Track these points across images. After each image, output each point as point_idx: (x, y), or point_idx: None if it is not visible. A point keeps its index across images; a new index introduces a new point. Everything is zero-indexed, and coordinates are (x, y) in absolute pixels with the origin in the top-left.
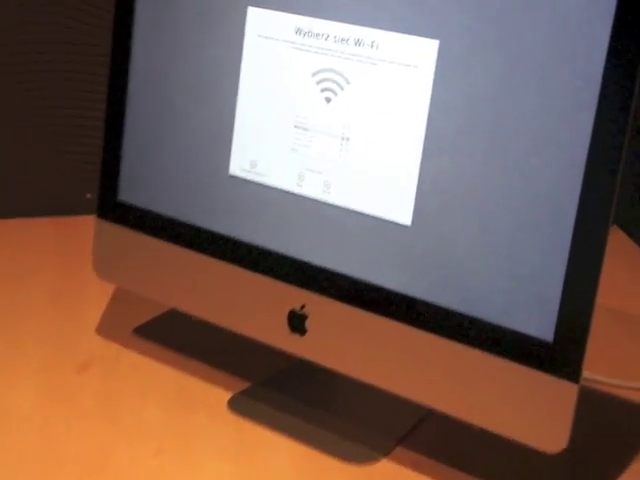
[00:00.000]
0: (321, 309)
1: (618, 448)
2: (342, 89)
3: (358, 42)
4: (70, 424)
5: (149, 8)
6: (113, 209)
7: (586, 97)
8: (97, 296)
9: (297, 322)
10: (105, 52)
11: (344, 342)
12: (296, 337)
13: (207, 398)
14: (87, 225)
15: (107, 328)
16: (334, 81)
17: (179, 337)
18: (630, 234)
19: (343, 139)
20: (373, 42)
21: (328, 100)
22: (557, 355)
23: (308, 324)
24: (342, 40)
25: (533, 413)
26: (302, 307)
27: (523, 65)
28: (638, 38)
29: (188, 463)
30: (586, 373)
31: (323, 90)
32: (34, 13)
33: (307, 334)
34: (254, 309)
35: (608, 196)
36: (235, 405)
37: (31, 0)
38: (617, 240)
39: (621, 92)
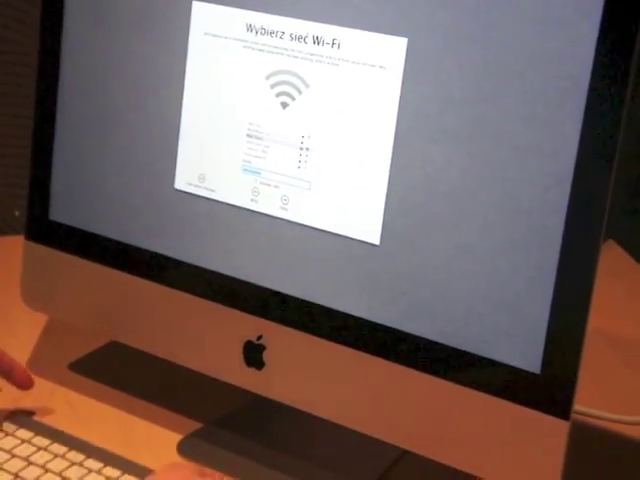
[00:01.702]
0: (280, 340)
1: None
2: (300, 93)
3: (317, 40)
4: None
5: (81, 2)
6: (44, 229)
7: (573, 101)
8: (27, 328)
9: (254, 355)
10: (33, 52)
11: (306, 376)
12: (253, 371)
13: (153, 441)
14: (16, 247)
15: (39, 364)
16: (291, 84)
17: (120, 373)
18: (629, 249)
19: (302, 149)
20: (334, 40)
21: (284, 105)
22: (545, 389)
23: (266, 357)
24: (299, 38)
25: (519, 454)
26: (259, 338)
27: (503, 65)
28: (629, 36)
29: None
30: (579, 407)
31: (279, 94)
32: None
33: (265, 368)
34: (205, 341)
35: (599, 211)
36: (185, 448)
37: None
38: (614, 257)
39: (611, 95)
